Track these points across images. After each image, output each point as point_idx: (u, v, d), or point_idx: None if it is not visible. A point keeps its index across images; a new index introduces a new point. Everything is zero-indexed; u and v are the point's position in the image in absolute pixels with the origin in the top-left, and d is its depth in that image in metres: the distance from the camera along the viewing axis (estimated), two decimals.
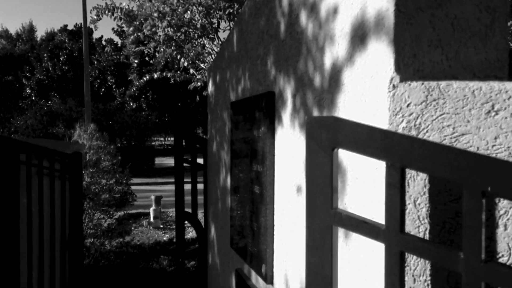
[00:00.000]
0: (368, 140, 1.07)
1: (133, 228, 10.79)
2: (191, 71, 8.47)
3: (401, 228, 1.04)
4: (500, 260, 1.06)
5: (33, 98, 27.08)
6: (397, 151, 1.02)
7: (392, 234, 1.04)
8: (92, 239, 7.58)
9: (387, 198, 1.05)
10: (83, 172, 7.25)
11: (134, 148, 25.49)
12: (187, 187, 4.02)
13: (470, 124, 1.07)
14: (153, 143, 28.32)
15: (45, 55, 28.22)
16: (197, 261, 3.98)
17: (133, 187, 10.27)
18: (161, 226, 11.61)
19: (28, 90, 27.88)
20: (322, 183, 1.14)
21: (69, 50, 28.75)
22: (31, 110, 22.12)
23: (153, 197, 12.24)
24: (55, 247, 5.43)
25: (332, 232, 1.15)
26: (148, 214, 12.40)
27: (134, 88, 12.14)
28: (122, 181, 8.12)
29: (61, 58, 28.40)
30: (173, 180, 3.84)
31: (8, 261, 5.19)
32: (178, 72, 9.36)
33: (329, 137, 1.12)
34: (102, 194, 7.58)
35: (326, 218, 1.14)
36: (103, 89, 29.15)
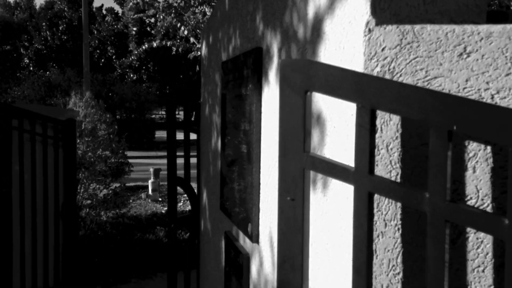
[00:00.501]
0: (340, 82, 1.07)
1: (131, 201, 10.84)
2: (192, 40, 8.38)
3: (370, 170, 1.05)
4: (469, 202, 1.07)
5: (31, 68, 26.93)
6: (367, 92, 1.02)
7: (361, 176, 1.05)
8: (87, 210, 7.62)
9: (356, 139, 1.06)
10: (79, 141, 7.25)
11: (134, 121, 25.44)
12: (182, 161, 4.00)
13: (443, 67, 1.07)
14: (153, 116, 28.25)
15: (44, 24, 27.96)
16: (190, 228, 4.01)
17: (132, 160, 10.29)
18: (160, 199, 11.67)
19: (26, 60, 27.72)
20: (295, 126, 1.14)
21: (68, 19, 28.47)
22: (29, 80, 22.02)
23: (151, 170, 12.29)
24: (48, 216, 5.46)
25: (304, 176, 1.15)
26: (147, 187, 12.46)
27: (132, 57, 12.05)
28: (119, 151, 8.13)
29: (60, 28, 28.15)
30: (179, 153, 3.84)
31: (0, 229, 5.23)
32: (178, 41, 9.26)
33: (302, 80, 1.12)
34: (97, 164, 7.59)
35: (298, 161, 1.15)
36: (103, 60, 28.97)
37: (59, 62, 27.20)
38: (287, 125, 1.15)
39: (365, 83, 1.03)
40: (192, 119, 4.39)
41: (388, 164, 1.16)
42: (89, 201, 7.50)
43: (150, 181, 12.04)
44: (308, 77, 1.11)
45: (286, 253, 1.17)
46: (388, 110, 1.02)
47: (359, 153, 1.06)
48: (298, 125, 1.14)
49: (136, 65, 27.79)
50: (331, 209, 1.40)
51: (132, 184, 13.02)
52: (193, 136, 3.94)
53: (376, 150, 1.18)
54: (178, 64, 27.47)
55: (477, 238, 1.05)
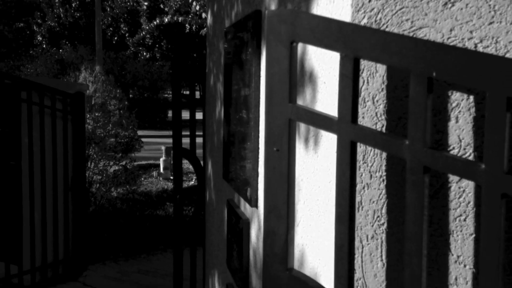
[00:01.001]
0: (324, 32, 1.07)
1: (142, 179, 10.93)
2: (204, 15, 8.33)
3: (353, 119, 1.06)
4: (451, 152, 1.08)
5: (44, 46, 27.03)
6: (350, 41, 1.03)
7: (344, 125, 1.06)
8: (97, 185, 7.69)
9: (340, 89, 1.06)
10: (89, 116, 7.30)
11: (146, 100, 25.49)
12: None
13: (428, 17, 1.07)
14: (165, 95, 28.26)
15: (56, 1, 27.96)
16: (196, 199, 4.05)
17: (145, 139, 10.36)
18: (171, 177, 11.73)
19: (39, 38, 27.80)
20: (280, 77, 1.15)
21: None
22: (42, 58, 22.12)
23: (163, 148, 12.36)
24: (57, 190, 5.54)
25: (290, 127, 1.17)
26: (159, 165, 12.55)
27: (143, 33, 11.99)
28: (129, 126, 8.18)
29: (73, 5, 28.12)
30: (186, 133, 3.86)
31: (11, 201, 5.33)
32: (190, 16, 9.20)
33: (288, 31, 1.12)
34: (107, 139, 7.65)
35: (284, 112, 1.16)
36: (115, 38, 28.93)
37: (72, 39, 27.25)
38: (273, 76, 1.16)
39: (348, 32, 1.03)
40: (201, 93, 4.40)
41: (374, 116, 1.17)
42: (99, 177, 7.58)
43: (161, 159, 12.13)
44: (294, 28, 1.11)
45: (271, 203, 1.19)
46: (371, 58, 1.02)
47: (342, 102, 1.06)
48: (284, 76, 1.15)
49: (149, 43, 27.72)
50: (321, 165, 1.41)
51: (144, 162, 13.12)
52: (199, 116, 3.96)
53: (362, 102, 1.19)
54: (192, 42, 27.33)
55: (459, 188, 1.06)
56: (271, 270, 1.19)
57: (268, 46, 1.16)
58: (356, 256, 1.20)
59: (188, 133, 3.89)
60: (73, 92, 5.65)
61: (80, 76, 7.85)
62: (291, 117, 1.15)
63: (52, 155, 5.42)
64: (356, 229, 1.21)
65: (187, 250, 4.44)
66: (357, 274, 1.19)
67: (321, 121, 1.11)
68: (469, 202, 1.05)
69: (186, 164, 11.37)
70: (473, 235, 1.04)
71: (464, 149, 1.05)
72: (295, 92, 1.15)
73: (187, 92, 4.11)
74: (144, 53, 28.16)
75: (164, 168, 11.81)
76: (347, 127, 1.05)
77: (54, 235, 5.47)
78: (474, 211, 1.04)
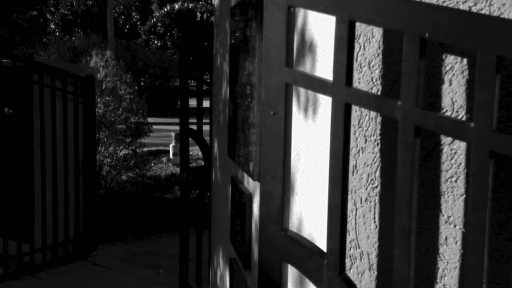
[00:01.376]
0: None
1: (152, 164, 11.03)
2: (214, 1, 8.33)
3: (347, 82, 1.08)
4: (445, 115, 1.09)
5: (57, 34, 27.18)
6: (346, 4, 1.04)
7: (338, 87, 1.08)
8: (107, 168, 7.79)
9: (335, 52, 1.08)
10: (99, 100, 7.37)
11: (157, 88, 25.56)
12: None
13: None
14: (176, 83, 28.32)
15: None
16: (202, 179, 4.09)
17: (155, 127, 10.43)
18: None
19: (52, 26, 27.95)
20: (278, 42, 1.17)
21: None
22: (55, 45, 22.25)
23: (173, 134, 12.44)
24: (68, 171, 5.62)
25: (287, 91, 1.19)
26: (169, 151, 12.64)
27: (154, 20, 12.02)
28: (139, 111, 8.25)
29: None
30: (194, 120, 3.91)
31: (23, 182, 5.41)
32: (201, 2, 9.21)
33: None
34: (118, 123, 7.72)
35: (280, 76, 1.18)
36: (127, 26, 29.00)
37: (84, 27, 27.37)
38: (271, 41, 1.19)
39: None
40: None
41: (369, 81, 1.19)
42: (109, 160, 7.67)
43: (171, 145, 12.21)
44: None
45: (267, 166, 1.22)
46: (365, 21, 1.04)
47: (337, 65, 1.08)
48: (281, 40, 1.17)
49: (161, 31, 27.77)
50: (319, 133, 1.44)
51: (154, 148, 13.23)
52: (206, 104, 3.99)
53: (358, 68, 1.21)
54: (203, 31, 27.33)
55: (451, 150, 1.08)
56: (266, 231, 1.22)
57: (266, 10, 1.18)
58: (350, 218, 1.23)
59: (196, 120, 3.94)
60: (84, 75, 5.71)
61: (91, 61, 7.92)
62: (287, 81, 1.17)
63: (63, 137, 5.50)
64: (350, 192, 1.23)
65: (193, 234, 4.50)
66: (351, 236, 1.22)
67: (316, 85, 1.13)
68: (460, 164, 1.07)
69: (196, 151, 11.43)
70: (464, 196, 1.06)
71: (457, 111, 1.07)
72: (292, 56, 1.17)
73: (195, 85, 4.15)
74: (156, 41, 28.21)
75: (174, 154, 11.89)
76: (341, 90, 1.07)
77: (65, 215, 5.57)
78: (465, 172, 1.06)
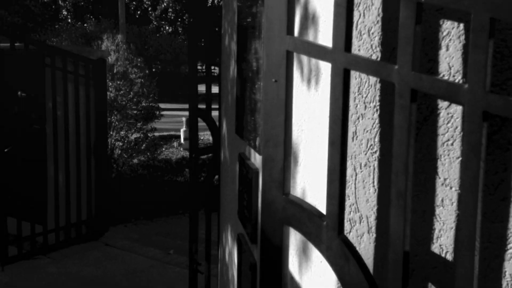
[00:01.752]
0: None
1: (164, 148, 11.11)
2: None
3: (346, 47, 1.10)
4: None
5: (69, 20, 27.29)
6: None
7: (337, 53, 1.11)
8: (119, 151, 7.87)
9: (334, 18, 1.11)
10: (110, 84, 7.43)
11: (169, 74, 25.61)
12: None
13: None
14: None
15: None
16: (211, 158, 4.13)
17: (166, 112, 10.48)
18: None
19: (64, 12, 28.06)
20: (279, 10, 1.20)
21: None
22: (67, 32, 22.36)
23: (184, 119, 12.50)
24: (80, 153, 5.70)
25: (288, 58, 1.22)
26: (179, 136, 12.71)
27: (164, 4, 12.06)
28: (150, 94, 8.30)
29: None
30: (203, 106, 3.94)
31: (36, 164, 5.50)
32: None
33: None
34: (129, 107, 7.78)
35: (282, 44, 1.21)
36: (138, 12, 29.05)
37: (96, 14, 27.46)
38: (272, 9, 1.21)
39: None
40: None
41: (369, 48, 1.21)
42: (120, 143, 7.75)
43: (182, 130, 12.28)
44: None
45: (269, 132, 1.25)
46: None
47: (336, 31, 1.11)
48: (282, 8, 1.19)
49: (172, 17, 27.78)
50: (322, 104, 1.46)
51: (165, 133, 13.31)
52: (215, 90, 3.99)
53: (358, 35, 1.23)
54: (214, 16, 27.29)
55: (448, 114, 1.10)
56: (269, 195, 1.26)
57: None
58: (349, 183, 1.26)
59: (205, 104, 3.96)
60: (95, 58, 5.76)
61: (102, 45, 7.97)
62: (288, 48, 1.20)
63: (75, 119, 5.57)
64: (350, 158, 1.26)
65: (203, 217, 4.54)
66: (351, 200, 1.25)
67: (316, 51, 1.15)
68: (456, 127, 1.09)
69: (207, 135, 11.49)
70: (460, 158, 1.08)
71: (454, 76, 1.09)
72: (293, 24, 1.20)
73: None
74: (167, 27, 28.24)
75: (185, 139, 11.97)
76: (340, 55, 1.10)
77: (77, 197, 5.66)
78: (461, 135, 1.08)
